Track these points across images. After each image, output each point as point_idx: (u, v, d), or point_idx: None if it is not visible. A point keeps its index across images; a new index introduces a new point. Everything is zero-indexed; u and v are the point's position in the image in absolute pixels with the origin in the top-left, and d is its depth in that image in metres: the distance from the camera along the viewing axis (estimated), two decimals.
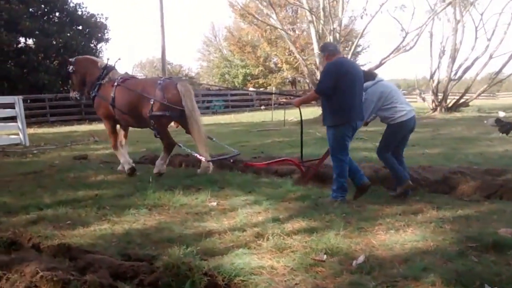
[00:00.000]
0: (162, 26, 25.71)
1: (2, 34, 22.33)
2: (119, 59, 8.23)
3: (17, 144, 12.58)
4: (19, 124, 12.55)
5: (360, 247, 3.80)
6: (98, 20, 26.54)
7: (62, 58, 8.64)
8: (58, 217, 5.03)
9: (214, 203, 5.45)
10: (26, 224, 4.84)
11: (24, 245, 4.10)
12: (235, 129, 16.60)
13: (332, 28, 16.29)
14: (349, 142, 5.32)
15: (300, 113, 6.28)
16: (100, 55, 27.25)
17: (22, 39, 24.59)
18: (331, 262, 3.51)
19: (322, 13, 16.71)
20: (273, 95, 26.23)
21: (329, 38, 16.58)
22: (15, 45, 23.95)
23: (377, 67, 17.03)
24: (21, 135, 12.70)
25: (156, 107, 6.84)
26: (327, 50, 5.42)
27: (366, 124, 5.89)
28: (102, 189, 6.36)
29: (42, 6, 24.43)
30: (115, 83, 7.34)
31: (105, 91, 7.47)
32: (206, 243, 4.00)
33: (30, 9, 23.66)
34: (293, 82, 37.69)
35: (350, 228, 4.27)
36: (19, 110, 12.59)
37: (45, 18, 25.27)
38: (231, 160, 7.14)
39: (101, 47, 27.41)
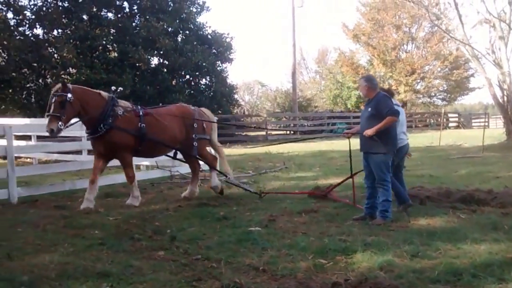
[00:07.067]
0: (294, 45, 24.64)
1: (139, 51, 21.86)
2: None
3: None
4: None
5: None
6: (225, 40, 25.72)
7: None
8: None
9: None
10: None
11: None
12: (428, 155, 14.63)
13: None
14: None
15: (349, 143, 6.61)
16: (226, 76, 26.51)
17: (156, 58, 24.19)
18: None
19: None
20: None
21: None
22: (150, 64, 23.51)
23: None
24: None
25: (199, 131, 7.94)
26: (371, 82, 6.02)
27: None
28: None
29: (175, 23, 23.83)
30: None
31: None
32: None
33: (165, 26, 23.09)
34: (403, 105, 35.45)
35: None
36: None
37: (177, 36, 24.77)
38: (251, 190, 7.99)
39: (226, 67, 26.64)
